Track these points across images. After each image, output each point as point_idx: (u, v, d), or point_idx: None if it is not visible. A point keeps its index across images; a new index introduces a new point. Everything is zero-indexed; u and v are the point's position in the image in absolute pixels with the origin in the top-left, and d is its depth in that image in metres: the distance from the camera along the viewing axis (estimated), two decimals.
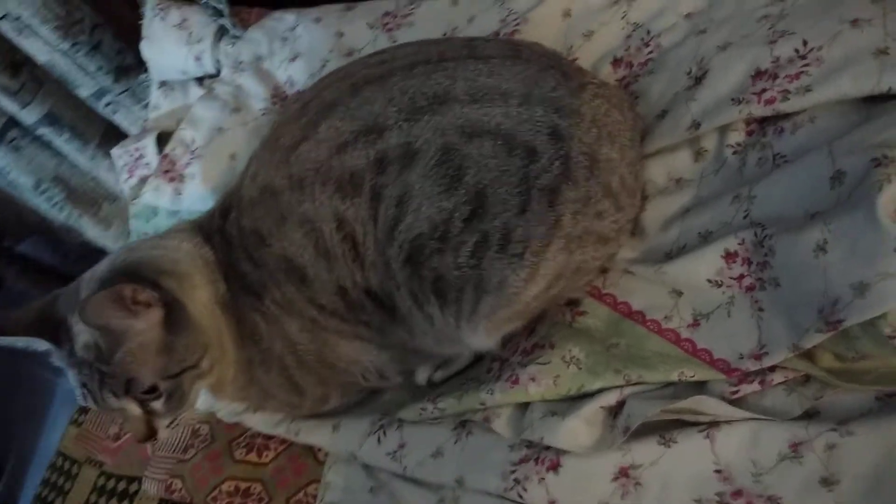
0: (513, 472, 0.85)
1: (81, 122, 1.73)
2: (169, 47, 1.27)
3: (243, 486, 1.08)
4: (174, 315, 0.86)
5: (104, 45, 1.62)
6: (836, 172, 0.72)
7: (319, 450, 1.06)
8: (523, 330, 0.94)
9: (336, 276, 0.86)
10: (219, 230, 0.94)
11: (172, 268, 0.89)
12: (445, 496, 0.91)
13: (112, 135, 1.75)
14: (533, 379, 0.88)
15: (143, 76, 1.41)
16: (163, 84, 1.33)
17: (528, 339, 0.93)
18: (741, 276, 0.80)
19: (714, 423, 0.77)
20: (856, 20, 0.79)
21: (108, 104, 1.70)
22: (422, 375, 0.99)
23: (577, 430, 0.83)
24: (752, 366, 0.77)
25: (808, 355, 0.75)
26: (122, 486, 1.22)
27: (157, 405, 0.88)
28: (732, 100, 0.85)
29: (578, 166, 0.79)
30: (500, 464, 0.87)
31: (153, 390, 0.86)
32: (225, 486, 1.09)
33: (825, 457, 0.71)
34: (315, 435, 1.05)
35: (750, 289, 0.80)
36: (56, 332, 0.87)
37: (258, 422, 1.12)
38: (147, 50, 1.30)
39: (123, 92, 1.66)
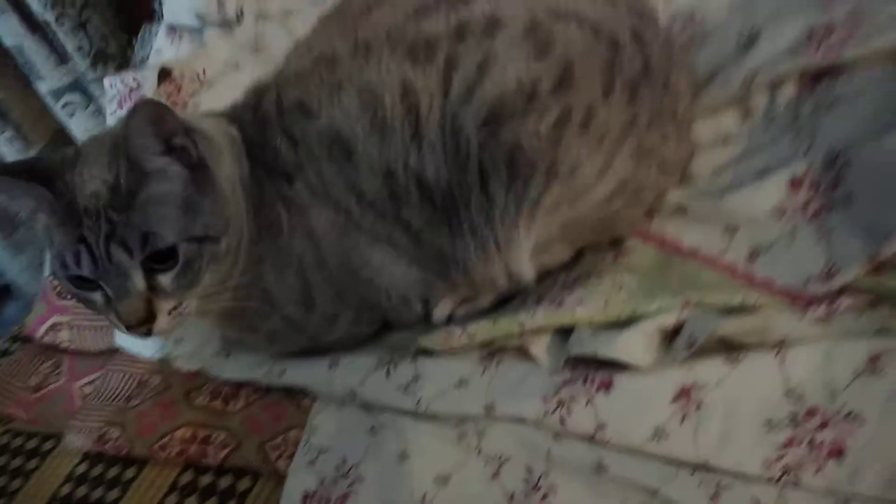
0: (556, 393, 0.76)
1: (30, 120, 1.63)
2: None
3: (202, 433, 0.92)
4: (202, 177, 0.77)
5: (90, 26, 1.56)
6: None
7: (304, 396, 0.92)
8: (560, 269, 0.88)
9: (387, 155, 0.79)
10: (251, 109, 0.86)
11: (202, 132, 0.80)
12: (467, 431, 0.79)
13: (60, 141, 1.65)
14: (581, 301, 0.81)
15: (145, 27, 1.34)
16: (171, 30, 1.26)
17: (568, 274, 0.87)
18: (806, 204, 0.79)
19: (783, 343, 0.72)
20: None
21: (65, 104, 1.62)
22: (442, 310, 0.90)
23: (635, 343, 0.75)
24: (820, 288, 0.74)
25: (877, 273, 0.73)
26: (32, 444, 1.01)
27: (166, 280, 0.75)
28: (790, 54, 0.88)
29: (656, 74, 0.79)
30: (540, 388, 0.78)
31: (169, 257, 0.74)
32: (178, 434, 0.92)
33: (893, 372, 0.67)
34: (305, 373, 0.92)
35: (815, 215, 0.78)
36: (50, 181, 0.75)
37: (230, 367, 0.98)
38: None
39: (93, 81, 1.58)
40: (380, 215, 0.82)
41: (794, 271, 0.77)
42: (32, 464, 0.99)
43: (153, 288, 0.75)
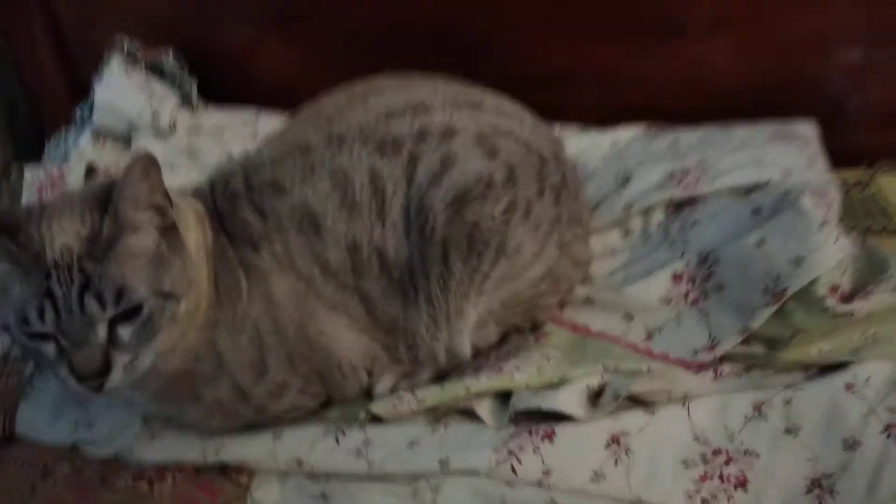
0: (505, 445, 0.84)
1: None
2: (129, 93, 1.27)
3: None
4: (172, 238, 0.81)
5: None
6: (755, 209, 0.99)
7: (240, 472, 0.91)
8: (490, 350, 1.00)
9: (354, 231, 0.88)
10: (216, 186, 0.93)
11: (171, 198, 0.85)
12: (420, 487, 0.84)
13: None
14: (517, 368, 0.93)
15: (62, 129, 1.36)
16: (97, 134, 1.29)
17: (498, 351, 0.99)
18: (686, 293, 0.99)
19: (686, 397, 0.88)
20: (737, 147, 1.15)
21: None
22: (385, 384, 0.96)
23: (570, 398, 0.87)
24: (706, 357, 0.93)
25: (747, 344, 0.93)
26: None
27: (126, 333, 0.76)
28: (658, 189, 1.12)
29: (570, 187, 0.99)
30: (489, 441, 0.86)
31: (132, 310, 0.76)
32: None
33: (785, 410, 0.84)
34: (246, 447, 0.92)
35: (694, 302, 0.98)
36: (12, 234, 0.75)
37: (155, 449, 0.94)
38: (102, 90, 1.29)
39: None
40: (340, 285, 0.90)
41: (684, 346, 0.95)
42: None
43: (112, 340, 0.76)
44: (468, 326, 0.93)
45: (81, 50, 1.47)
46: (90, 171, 1.19)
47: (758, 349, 0.93)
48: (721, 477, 0.81)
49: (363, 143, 0.91)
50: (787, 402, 0.84)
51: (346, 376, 0.94)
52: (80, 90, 1.45)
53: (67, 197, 0.82)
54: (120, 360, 0.76)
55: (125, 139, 1.28)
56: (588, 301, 1.04)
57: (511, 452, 0.83)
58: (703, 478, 0.82)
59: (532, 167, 0.94)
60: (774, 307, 0.90)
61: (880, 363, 0.84)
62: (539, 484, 0.82)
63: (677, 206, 1.11)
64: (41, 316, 0.74)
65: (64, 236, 0.75)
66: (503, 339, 1.01)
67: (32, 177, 1.19)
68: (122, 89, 1.30)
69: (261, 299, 0.89)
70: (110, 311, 0.74)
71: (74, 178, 1.18)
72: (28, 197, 1.18)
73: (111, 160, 1.22)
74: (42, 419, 1.00)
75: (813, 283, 0.89)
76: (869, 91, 1.31)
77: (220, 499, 0.87)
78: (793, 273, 0.90)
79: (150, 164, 0.77)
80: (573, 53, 1.33)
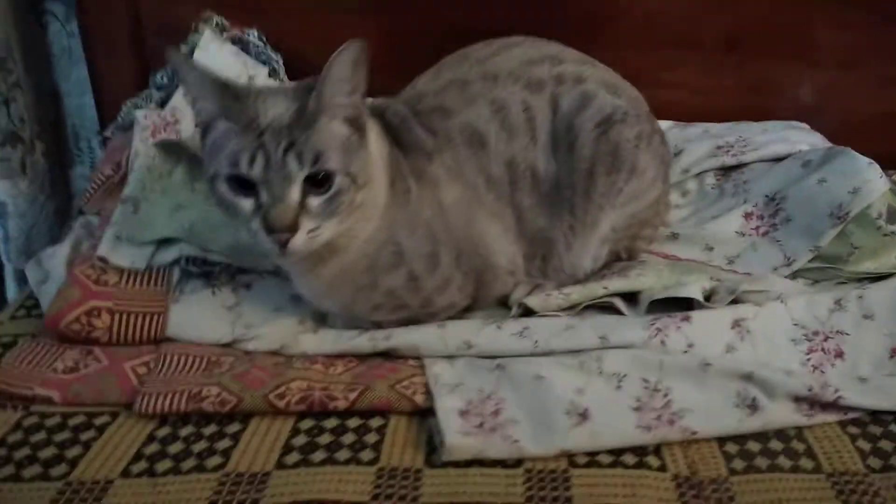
0: (653, 323, 0.98)
1: None
2: (225, 59, 1.35)
3: (318, 385, 0.92)
4: (360, 137, 0.92)
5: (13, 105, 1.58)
6: (805, 162, 1.23)
7: (405, 361, 0.99)
8: (600, 270, 1.15)
9: (512, 149, 1.04)
10: (385, 111, 1.05)
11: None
12: (585, 360, 0.96)
13: None
14: (640, 274, 1.08)
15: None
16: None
17: (610, 270, 1.14)
18: (758, 227, 1.20)
19: (781, 296, 1.06)
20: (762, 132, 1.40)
21: None
22: (520, 292, 1.08)
23: (695, 290, 1.04)
24: (784, 272, 1.13)
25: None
26: (77, 420, 0.89)
27: (315, 202, 0.87)
28: (709, 157, 1.35)
29: (663, 134, 1.18)
30: (638, 323, 1.00)
31: (327, 179, 0.87)
32: (294, 385, 0.91)
33: (859, 303, 1.04)
34: (415, 333, 1.00)
35: (765, 233, 1.19)
36: (236, 99, 0.87)
37: (320, 341, 1.01)
38: (200, 53, 1.35)
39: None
40: (499, 196, 1.04)
41: (763, 266, 1.15)
42: (88, 434, 0.86)
43: (302, 205, 0.87)
44: (597, 238, 1.09)
45: (154, 27, 1.54)
46: None
47: (820, 266, 1.14)
48: (823, 350, 1.00)
49: (514, 81, 1.07)
50: (860, 297, 1.05)
51: (497, 277, 1.06)
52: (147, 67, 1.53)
53: (278, 86, 0.93)
54: (306, 223, 0.87)
55: None
56: (672, 237, 1.23)
57: (659, 329, 0.98)
58: (810, 350, 0.99)
59: (644, 111, 1.13)
60: (840, 227, 1.12)
61: None
62: (684, 353, 0.96)
63: (725, 172, 1.34)
64: (251, 162, 0.84)
65: (276, 109, 0.87)
66: (607, 265, 1.17)
67: (146, 117, 1.24)
68: (219, 55, 1.38)
69: (432, 202, 1.01)
70: (307, 169, 0.85)
71: (187, 122, 1.24)
72: (142, 138, 1.23)
73: None
74: (196, 323, 1.04)
75: (867, 207, 1.12)
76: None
77: (400, 374, 0.94)
78: (852, 200, 1.12)
79: (360, 52, 0.87)
80: None
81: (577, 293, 1.05)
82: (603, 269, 1.14)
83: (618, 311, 1.06)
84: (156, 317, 1.02)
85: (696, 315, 1.00)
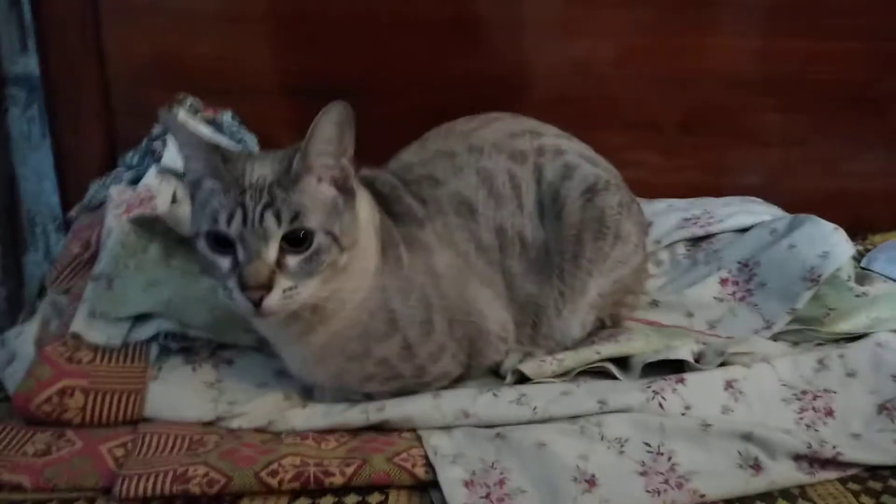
0: (649, 386, 0.98)
1: None
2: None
3: (313, 460, 0.87)
4: (348, 200, 0.92)
5: None
6: (772, 230, 1.28)
7: (400, 433, 0.95)
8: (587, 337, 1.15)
9: (500, 216, 1.05)
10: (374, 181, 1.06)
11: None
12: (585, 424, 0.94)
13: None
14: (629, 339, 1.09)
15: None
16: (161, 173, 1.33)
17: (598, 336, 1.14)
18: (734, 292, 1.23)
19: (766, 357, 1.08)
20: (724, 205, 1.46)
21: None
22: (512, 360, 1.07)
23: (685, 353, 1.05)
24: (765, 335, 1.15)
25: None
26: None
27: (293, 261, 0.86)
28: (678, 228, 1.39)
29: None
30: (633, 386, 0.99)
31: (305, 239, 0.86)
32: (287, 461, 0.86)
33: (841, 361, 1.07)
34: (409, 404, 0.97)
35: (742, 299, 1.22)
36: (225, 161, 0.88)
37: (309, 416, 0.97)
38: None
39: None
40: (489, 262, 1.04)
41: (745, 329, 1.17)
42: None
43: (280, 264, 0.86)
44: (586, 304, 1.10)
45: (124, 108, 1.54)
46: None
47: (798, 328, 1.17)
48: (813, 408, 1.00)
49: (498, 152, 1.10)
50: (841, 356, 1.07)
51: (489, 344, 1.05)
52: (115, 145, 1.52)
53: (269, 152, 0.93)
54: (282, 282, 0.86)
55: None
56: (653, 304, 1.25)
57: (656, 392, 0.97)
58: (801, 409, 1.00)
59: (621, 181, 1.16)
60: (814, 290, 1.16)
61: (890, 334, 1.11)
62: (682, 415, 0.96)
63: (694, 243, 1.38)
64: (230, 219, 0.85)
65: (261, 170, 0.88)
66: (593, 333, 1.17)
67: (119, 195, 1.22)
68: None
69: (424, 269, 1.00)
70: (284, 227, 0.85)
71: (163, 199, 1.22)
72: (115, 215, 1.20)
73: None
74: (176, 401, 0.98)
75: (838, 270, 1.17)
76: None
77: (397, 447, 0.90)
78: (823, 263, 1.17)
79: (343, 113, 0.87)
80: None
81: (570, 359, 1.04)
82: (591, 337, 1.14)
83: (610, 376, 1.06)
84: (133, 395, 0.96)
85: (689, 377, 1.01)
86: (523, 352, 1.09)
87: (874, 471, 0.92)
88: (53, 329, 1.07)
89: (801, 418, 0.99)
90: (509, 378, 1.03)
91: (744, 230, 1.35)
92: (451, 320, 1.00)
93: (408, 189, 1.06)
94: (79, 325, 1.01)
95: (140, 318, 1.05)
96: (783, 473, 0.90)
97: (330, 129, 0.87)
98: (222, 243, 0.86)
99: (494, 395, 0.98)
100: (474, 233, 1.04)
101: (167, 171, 1.36)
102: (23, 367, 0.99)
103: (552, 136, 1.16)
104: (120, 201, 1.21)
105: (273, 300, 0.85)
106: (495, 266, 1.05)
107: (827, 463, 0.91)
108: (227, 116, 1.48)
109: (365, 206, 0.97)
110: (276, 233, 0.85)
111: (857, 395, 1.02)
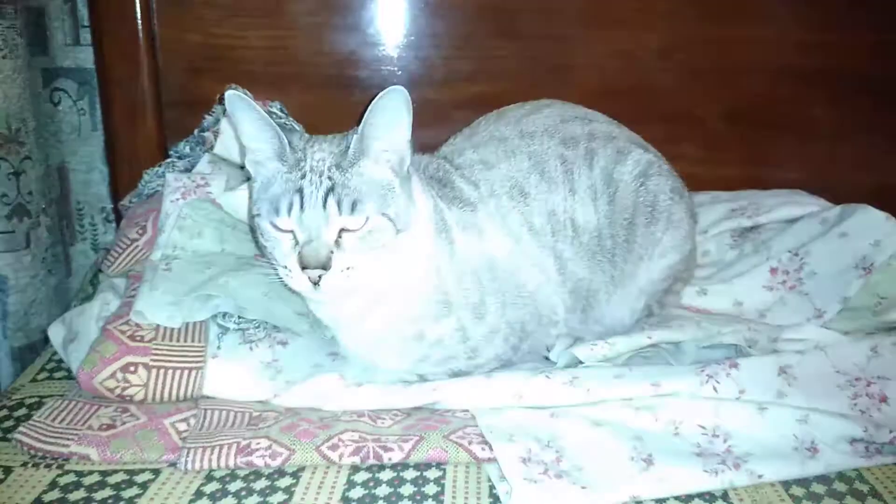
0: (703, 370, 0.98)
1: None
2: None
3: (371, 436, 0.88)
4: (403, 183, 0.93)
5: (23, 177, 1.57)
6: (823, 220, 1.27)
7: (453, 413, 0.96)
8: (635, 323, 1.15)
9: (552, 201, 1.06)
10: (426, 167, 1.07)
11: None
12: (639, 406, 0.94)
13: None
14: (681, 325, 1.08)
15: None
16: (212, 161, 1.36)
17: (647, 321, 1.14)
18: (784, 281, 1.22)
19: (820, 345, 1.07)
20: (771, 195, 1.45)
21: None
22: (560, 347, 1.07)
23: (739, 338, 1.04)
24: (817, 324, 1.14)
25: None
26: (117, 478, 0.84)
27: (350, 239, 0.88)
28: (725, 219, 1.38)
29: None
30: (687, 370, 0.99)
31: (363, 219, 0.88)
32: (346, 436, 0.88)
33: (894, 350, 1.06)
34: (463, 385, 0.98)
35: (792, 288, 1.21)
36: (290, 142, 0.91)
37: (363, 397, 0.98)
38: (226, 124, 1.38)
39: None
40: (540, 245, 1.05)
41: (795, 318, 1.16)
42: (131, 492, 0.81)
43: (337, 243, 0.88)
44: (636, 289, 1.10)
45: (174, 99, 1.57)
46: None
47: (850, 316, 1.16)
48: (867, 394, 1.00)
49: (550, 137, 1.11)
50: (894, 343, 1.06)
51: (540, 327, 1.05)
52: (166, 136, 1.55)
53: (331, 135, 0.94)
54: (339, 261, 0.88)
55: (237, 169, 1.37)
56: (701, 292, 1.24)
57: (710, 376, 0.97)
58: (855, 396, 0.99)
59: (671, 168, 1.16)
60: (866, 278, 1.14)
61: None
62: (737, 400, 0.96)
63: (741, 233, 1.37)
64: (289, 210, 0.87)
65: (321, 152, 0.91)
66: (641, 320, 1.17)
67: (176, 180, 1.24)
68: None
69: (478, 252, 1.01)
70: (345, 217, 0.87)
71: (217, 185, 1.25)
72: (172, 198, 1.22)
73: None
74: (234, 379, 1.00)
75: (890, 259, 1.15)
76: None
77: (451, 425, 0.92)
78: (875, 252, 1.16)
79: (399, 99, 0.88)
80: None
81: (622, 343, 1.04)
82: (640, 323, 1.15)
83: (662, 362, 1.06)
84: (193, 372, 0.98)
85: (743, 362, 1.00)
86: (573, 336, 1.09)
87: None
88: (114, 309, 1.09)
89: (855, 404, 0.98)
90: (561, 361, 1.04)
91: (792, 221, 1.34)
92: (503, 303, 1.01)
93: (460, 173, 1.07)
94: (141, 304, 1.03)
95: (199, 300, 1.07)
96: (840, 456, 0.89)
97: (384, 114, 0.89)
98: (284, 224, 0.89)
99: (547, 377, 0.99)
100: (526, 216, 1.05)
101: (219, 160, 1.39)
102: (85, 345, 1.02)
103: (602, 123, 1.16)
104: (176, 187, 1.23)
105: (332, 278, 0.88)
106: (547, 250, 1.05)
107: (883, 447, 0.91)
108: (275, 107, 1.50)
109: (419, 190, 0.99)
110: (337, 219, 0.87)
111: None
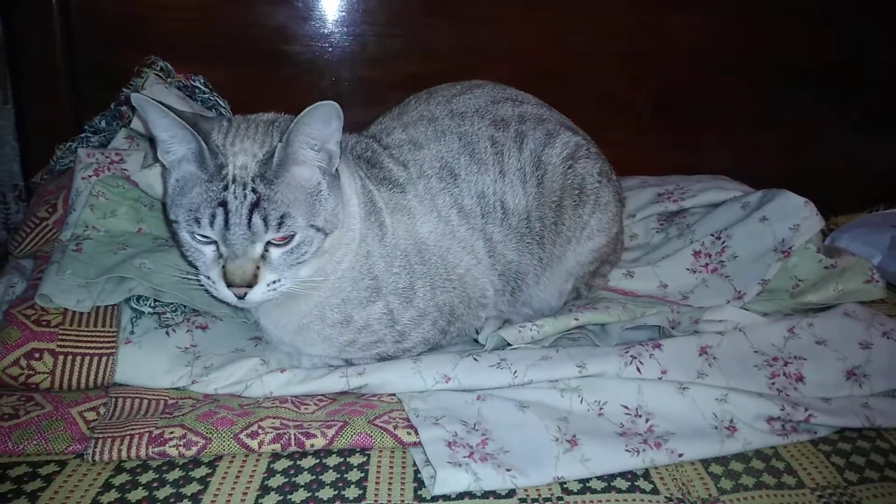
0: (627, 351, 0.99)
1: None
2: (172, 102, 1.30)
3: (293, 423, 0.86)
4: (332, 181, 0.90)
5: None
6: (743, 205, 1.29)
7: (378, 398, 0.94)
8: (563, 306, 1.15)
9: (481, 182, 1.04)
10: (354, 146, 1.05)
11: None
12: (565, 388, 0.95)
13: None
14: (607, 307, 1.09)
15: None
16: (130, 136, 1.29)
17: (574, 304, 1.15)
18: (706, 264, 1.24)
19: (740, 326, 1.09)
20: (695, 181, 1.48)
21: None
22: (488, 329, 1.07)
23: (662, 321, 1.06)
24: (737, 305, 1.16)
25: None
26: (19, 470, 0.79)
27: (277, 253, 0.85)
28: (652, 203, 1.40)
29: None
30: (612, 351, 1.00)
31: (289, 237, 0.85)
32: (266, 423, 0.85)
33: (811, 330, 1.09)
34: (390, 368, 0.97)
35: (714, 270, 1.23)
36: (207, 140, 0.85)
37: (286, 382, 0.95)
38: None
39: None
40: (470, 227, 1.04)
41: (717, 299, 1.19)
42: (34, 485, 0.76)
43: (263, 257, 0.85)
44: (564, 271, 1.10)
45: (90, 73, 1.49)
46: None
47: (768, 298, 1.19)
48: (784, 374, 1.02)
49: (480, 118, 1.09)
50: (811, 325, 1.10)
51: (469, 310, 1.04)
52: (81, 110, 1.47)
53: (251, 120, 0.90)
54: (266, 276, 0.85)
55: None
56: (628, 274, 1.25)
57: (634, 357, 0.98)
58: (773, 375, 1.02)
59: (599, 151, 1.17)
60: (785, 261, 1.18)
61: (856, 304, 1.14)
62: (659, 380, 0.97)
63: (667, 217, 1.40)
64: (211, 223, 0.83)
65: (244, 156, 0.85)
66: (569, 302, 1.17)
67: (89, 156, 1.17)
68: (166, 98, 1.34)
69: (407, 235, 0.99)
70: (271, 233, 0.83)
71: (133, 162, 1.18)
72: (83, 177, 1.15)
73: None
74: (149, 365, 0.96)
75: (807, 242, 1.19)
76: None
77: (376, 409, 0.90)
78: (794, 236, 1.19)
79: (332, 113, 0.84)
80: None
81: (549, 325, 1.04)
82: (567, 305, 1.15)
83: (587, 344, 1.07)
84: (104, 359, 0.93)
85: (665, 343, 1.02)
86: (501, 319, 1.09)
87: (843, 433, 0.95)
88: (19, 292, 1.03)
89: (772, 383, 1.01)
90: (489, 344, 1.03)
91: (715, 205, 1.37)
92: (433, 286, 0.99)
93: (388, 153, 1.04)
94: (48, 287, 0.97)
95: (111, 282, 1.02)
96: (757, 435, 0.92)
97: (314, 127, 0.84)
98: (206, 236, 0.84)
99: (475, 359, 0.98)
100: (456, 198, 1.03)
101: (136, 135, 1.32)
102: None
103: (533, 105, 1.15)
104: (88, 163, 1.16)
105: (257, 294, 0.85)
106: (477, 232, 1.04)
107: (798, 425, 0.94)
108: (199, 82, 1.44)
109: (346, 177, 0.96)
110: (264, 235, 0.83)
111: (827, 362, 1.04)
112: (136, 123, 1.32)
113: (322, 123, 0.84)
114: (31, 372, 0.90)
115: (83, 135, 1.36)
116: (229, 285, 0.84)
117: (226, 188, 0.82)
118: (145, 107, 0.85)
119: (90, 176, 1.16)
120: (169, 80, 1.42)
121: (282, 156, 0.84)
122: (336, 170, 0.90)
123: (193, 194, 0.83)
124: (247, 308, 0.98)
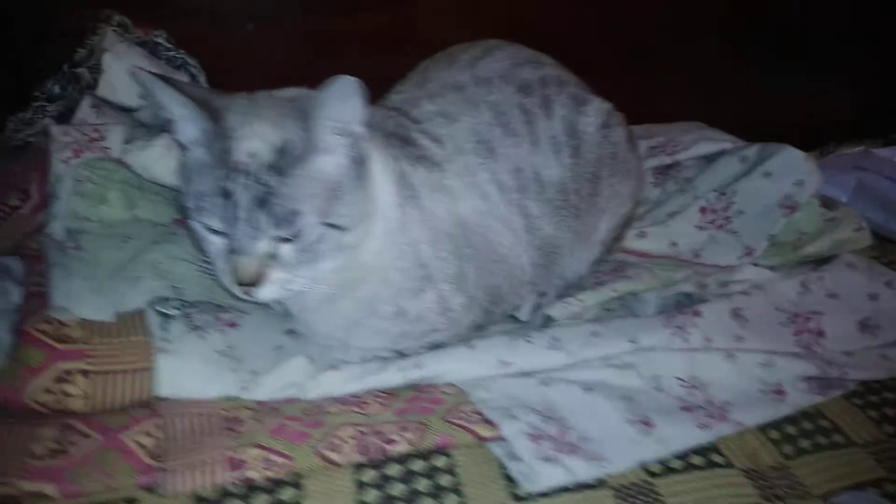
0: (670, 322, 1.00)
1: None
2: (136, 63, 1.15)
3: (367, 429, 0.82)
4: (358, 170, 0.81)
5: None
6: (742, 158, 1.32)
7: (436, 388, 0.91)
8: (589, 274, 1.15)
9: (517, 155, 0.99)
10: (380, 122, 0.95)
11: None
12: (622, 364, 0.96)
13: None
14: (639, 275, 1.10)
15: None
16: (95, 104, 1.14)
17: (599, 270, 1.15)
18: (713, 220, 1.27)
19: (757, 284, 1.13)
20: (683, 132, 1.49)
21: None
22: (527, 306, 1.06)
23: (693, 286, 1.08)
24: (748, 261, 1.20)
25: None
26: None
27: (287, 251, 0.78)
28: (647, 156, 1.40)
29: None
30: (656, 323, 1.01)
31: (300, 231, 0.77)
32: (342, 433, 0.81)
33: (821, 284, 1.14)
34: (446, 357, 0.93)
35: (721, 227, 1.26)
36: (217, 120, 0.77)
37: (341, 380, 0.90)
38: (111, 61, 1.15)
39: None
40: (509, 203, 0.99)
41: (727, 256, 1.22)
42: None
43: (273, 254, 0.78)
44: (597, 241, 1.09)
45: (30, 31, 1.29)
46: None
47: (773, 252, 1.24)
48: (807, 330, 1.07)
49: (506, 84, 1.03)
50: (821, 278, 1.15)
51: (512, 289, 1.01)
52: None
53: (271, 98, 0.82)
54: (275, 275, 0.78)
55: (125, 112, 1.17)
56: (641, 234, 1.26)
57: (679, 327, 1.00)
58: (797, 332, 1.07)
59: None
60: (791, 216, 1.22)
61: (854, 255, 1.20)
62: (706, 349, 0.99)
63: (662, 171, 1.41)
64: (214, 213, 0.76)
65: (253, 141, 0.76)
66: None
67: (65, 134, 1.02)
68: (128, 59, 1.19)
69: (450, 216, 0.94)
70: (277, 230, 0.76)
71: (114, 139, 1.05)
72: (62, 158, 1.01)
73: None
74: (191, 374, 0.87)
75: (811, 197, 1.23)
76: None
77: (444, 405, 0.87)
78: (798, 191, 1.22)
79: (356, 88, 0.75)
80: None
81: (590, 298, 1.04)
82: (593, 272, 1.14)
83: (622, 313, 1.08)
84: (143, 373, 0.84)
85: (704, 309, 1.04)
86: (536, 292, 1.07)
87: (867, 385, 1.02)
88: (15, 298, 0.91)
89: (798, 340, 1.06)
90: (534, 321, 1.01)
91: (707, 157, 1.39)
92: (480, 268, 0.96)
93: (420, 128, 0.97)
94: (60, 296, 0.86)
95: (125, 282, 0.91)
96: (802, 396, 0.96)
97: (339, 106, 0.76)
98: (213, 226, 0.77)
99: (528, 341, 0.96)
100: (495, 173, 0.98)
101: (102, 103, 1.17)
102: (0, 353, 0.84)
103: (551, 66, 1.10)
104: (65, 142, 1.02)
105: (266, 292, 0.78)
106: (515, 207, 1.00)
107: (833, 381, 0.99)
108: (161, 38, 1.29)
109: (379, 158, 0.88)
110: (268, 232, 0.76)
111: (842, 315, 1.10)
112: (102, 89, 1.18)
113: (340, 102, 0.76)
114: (64, 396, 0.81)
115: (38, 103, 1.19)
116: (238, 283, 0.77)
117: (230, 176, 0.74)
118: (148, 84, 0.76)
119: (70, 157, 1.02)
120: (126, 35, 1.26)
121: (303, 145, 0.76)
122: (363, 157, 0.81)
123: (201, 180, 0.76)
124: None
